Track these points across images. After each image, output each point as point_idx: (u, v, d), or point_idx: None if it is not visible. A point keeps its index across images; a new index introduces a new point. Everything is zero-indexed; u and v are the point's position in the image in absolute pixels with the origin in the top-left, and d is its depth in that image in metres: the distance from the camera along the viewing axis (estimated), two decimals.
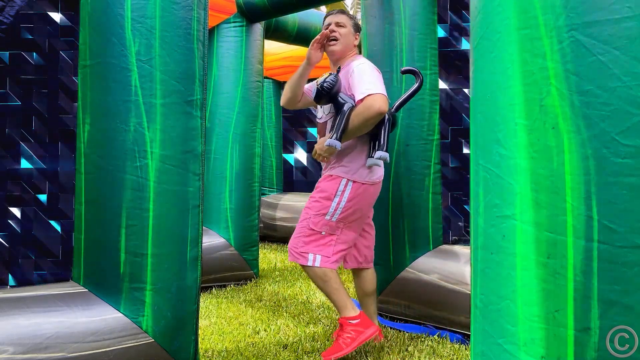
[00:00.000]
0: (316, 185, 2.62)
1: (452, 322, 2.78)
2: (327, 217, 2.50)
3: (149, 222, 1.86)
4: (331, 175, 2.55)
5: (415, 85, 2.61)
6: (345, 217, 2.51)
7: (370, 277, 2.73)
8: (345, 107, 2.45)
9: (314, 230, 2.51)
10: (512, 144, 1.13)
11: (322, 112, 2.68)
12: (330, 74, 2.49)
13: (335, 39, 2.60)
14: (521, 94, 1.11)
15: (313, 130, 6.58)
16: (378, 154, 2.45)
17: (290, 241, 2.58)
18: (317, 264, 2.49)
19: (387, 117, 2.46)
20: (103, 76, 1.88)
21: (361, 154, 2.54)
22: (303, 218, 2.56)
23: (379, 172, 2.59)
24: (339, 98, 2.48)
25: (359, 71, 2.48)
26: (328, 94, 2.47)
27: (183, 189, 1.94)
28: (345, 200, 2.49)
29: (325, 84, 2.46)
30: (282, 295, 3.64)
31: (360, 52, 2.73)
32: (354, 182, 2.50)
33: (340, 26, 2.63)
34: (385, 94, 2.42)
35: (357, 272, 2.75)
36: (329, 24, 2.64)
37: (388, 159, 2.47)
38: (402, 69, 2.72)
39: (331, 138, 2.44)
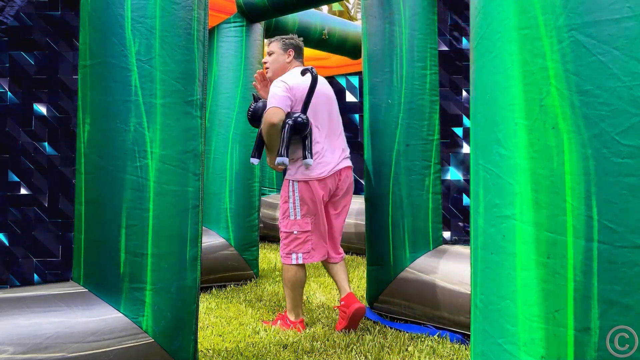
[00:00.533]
0: None
1: (452, 322, 2.79)
2: (292, 217, 2.85)
3: (149, 222, 1.86)
4: (284, 181, 2.95)
5: (309, 84, 2.82)
6: (307, 212, 2.84)
7: (339, 270, 2.98)
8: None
9: (286, 232, 2.87)
10: (512, 144, 1.13)
11: None
12: (252, 102, 2.99)
13: (267, 68, 3.05)
14: (521, 94, 1.11)
15: None
16: (277, 159, 2.75)
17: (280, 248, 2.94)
18: (300, 261, 2.84)
19: (287, 124, 2.74)
20: (103, 76, 1.88)
21: (296, 158, 2.88)
22: (280, 225, 2.92)
23: (319, 169, 2.85)
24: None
25: (269, 92, 2.83)
26: (252, 120, 2.97)
27: (183, 189, 1.94)
28: (298, 198, 2.84)
29: (248, 113, 2.99)
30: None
31: (302, 63, 3.11)
32: (298, 181, 2.84)
33: (269, 54, 3.04)
34: (279, 106, 2.73)
35: (326, 265, 3.02)
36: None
37: (286, 162, 2.76)
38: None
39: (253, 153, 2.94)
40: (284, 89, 2.77)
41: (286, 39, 3.03)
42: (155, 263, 1.87)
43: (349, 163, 2.98)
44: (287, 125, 2.74)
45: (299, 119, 2.77)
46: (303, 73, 2.82)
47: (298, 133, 2.78)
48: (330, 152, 2.90)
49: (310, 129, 2.83)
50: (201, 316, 3.06)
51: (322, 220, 2.87)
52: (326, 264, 2.98)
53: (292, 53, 3.01)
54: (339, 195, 2.95)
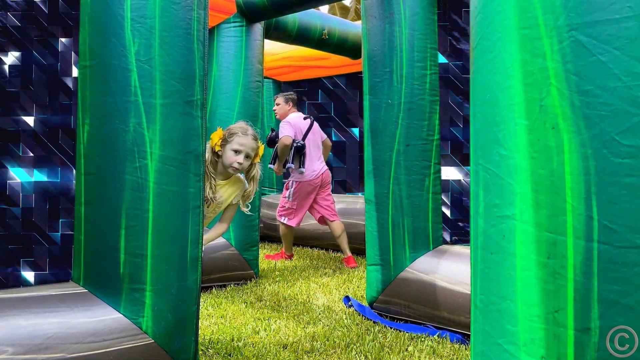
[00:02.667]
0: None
1: (452, 322, 2.78)
2: (288, 199, 4.86)
3: (149, 223, 1.86)
4: (289, 180, 4.92)
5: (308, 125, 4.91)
6: (295, 198, 4.82)
7: (333, 226, 4.87)
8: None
9: (283, 206, 4.94)
10: (512, 144, 1.13)
11: None
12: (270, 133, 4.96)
13: (276, 112, 5.14)
14: (521, 94, 1.11)
15: None
16: (287, 165, 4.70)
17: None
18: (286, 221, 4.88)
19: (293, 145, 4.68)
20: (103, 76, 1.88)
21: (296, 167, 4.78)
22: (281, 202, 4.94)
23: (309, 175, 4.80)
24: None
25: (280, 127, 4.79)
26: (269, 143, 4.86)
27: (183, 190, 1.94)
28: (293, 191, 4.82)
29: (266, 139, 4.89)
30: (282, 295, 3.64)
31: (297, 109, 5.15)
32: (296, 181, 4.84)
33: (277, 104, 5.12)
34: (289, 134, 4.68)
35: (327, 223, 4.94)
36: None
37: (292, 167, 4.75)
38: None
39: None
40: (288, 125, 4.73)
41: (287, 95, 5.09)
42: (155, 264, 1.87)
43: (326, 168, 4.96)
44: (293, 146, 4.67)
45: (299, 144, 4.72)
46: (305, 118, 4.91)
47: (298, 152, 4.69)
48: (316, 163, 4.85)
49: (305, 150, 4.74)
50: (201, 316, 3.06)
51: (306, 203, 4.85)
52: (327, 222, 4.88)
53: (291, 104, 5.04)
54: (324, 187, 4.88)
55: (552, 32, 1.06)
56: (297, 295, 3.66)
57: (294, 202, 4.81)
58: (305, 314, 3.17)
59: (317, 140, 4.95)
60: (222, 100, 4.02)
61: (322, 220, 4.94)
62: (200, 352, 2.49)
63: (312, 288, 3.84)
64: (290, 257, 5.05)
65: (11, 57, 2.07)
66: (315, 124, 5.01)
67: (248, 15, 4.03)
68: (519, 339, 1.11)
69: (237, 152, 2.35)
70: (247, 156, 2.40)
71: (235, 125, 2.47)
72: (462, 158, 4.33)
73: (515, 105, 1.12)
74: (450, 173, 4.29)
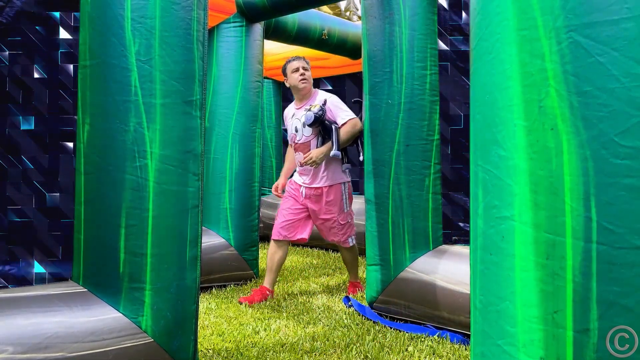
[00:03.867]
0: (324, 198, 3.56)
1: (452, 322, 2.79)
2: (346, 210, 3.60)
3: (149, 222, 1.86)
4: (331, 186, 3.55)
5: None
6: (351, 204, 3.68)
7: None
8: (334, 127, 3.43)
9: (342, 223, 3.59)
10: (511, 144, 1.13)
11: (303, 135, 3.58)
12: (319, 106, 3.44)
13: (305, 79, 3.59)
14: (520, 95, 1.11)
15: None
16: (345, 166, 3.57)
17: (335, 237, 3.63)
18: (353, 242, 3.66)
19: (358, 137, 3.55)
20: (103, 76, 1.88)
21: (338, 162, 3.58)
22: (332, 220, 3.56)
23: (347, 173, 3.73)
24: (326, 122, 3.45)
25: (334, 102, 3.54)
26: (321, 120, 3.41)
27: (183, 189, 1.94)
28: (347, 195, 3.61)
29: (321, 113, 3.40)
30: (282, 295, 3.64)
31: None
32: (346, 182, 3.62)
33: (306, 70, 3.61)
34: (356, 117, 3.54)
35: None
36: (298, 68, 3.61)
37: (338, 155, 3.51)
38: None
39: (333, 149, 3.39)
40: (345, 106, 3.58)
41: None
42: (154, 263, 1.87)
43: None
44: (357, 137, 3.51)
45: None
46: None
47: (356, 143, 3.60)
48: None
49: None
50: (201, 316, 3.07)
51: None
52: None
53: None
54: None
55: (551, 33, 1.06)
56: (297, 295, 3.66)
57: (351, 209, 3.63)
58: (305, 314, 3.18)
59: None
60: (222, 100, 4.02)
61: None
62: (199, 352, 2.49)
63: (312, 288, 3.84)
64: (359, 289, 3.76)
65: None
66: None
67: (248, 16, 4.03)
68: (518, 340, 1.11)
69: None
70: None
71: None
72: None
73: (514, 106, 1.12)
74: None
